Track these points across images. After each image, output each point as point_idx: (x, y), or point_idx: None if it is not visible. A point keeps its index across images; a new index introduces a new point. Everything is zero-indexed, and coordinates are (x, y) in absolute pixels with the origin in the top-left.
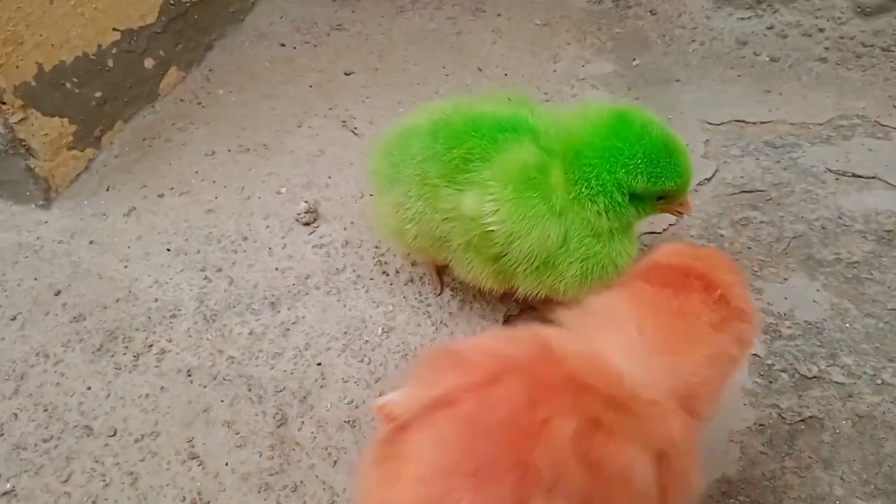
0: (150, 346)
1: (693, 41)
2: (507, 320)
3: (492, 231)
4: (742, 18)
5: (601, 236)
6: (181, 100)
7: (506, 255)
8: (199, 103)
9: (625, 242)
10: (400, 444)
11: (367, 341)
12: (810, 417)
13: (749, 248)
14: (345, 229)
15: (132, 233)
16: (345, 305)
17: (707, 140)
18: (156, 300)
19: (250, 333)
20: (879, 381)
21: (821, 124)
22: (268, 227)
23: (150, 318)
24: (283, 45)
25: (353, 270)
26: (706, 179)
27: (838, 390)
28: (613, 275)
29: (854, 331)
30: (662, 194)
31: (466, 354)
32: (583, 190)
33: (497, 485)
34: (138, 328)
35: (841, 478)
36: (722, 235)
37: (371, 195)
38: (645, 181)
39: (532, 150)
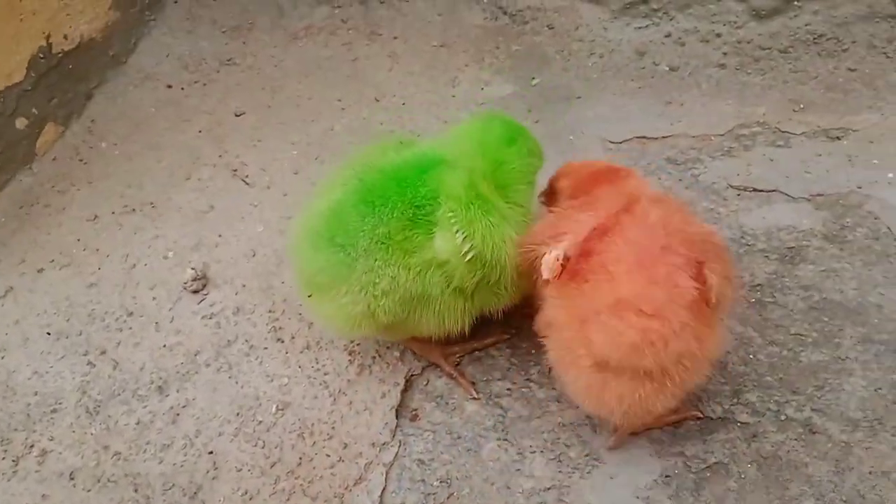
0: (31, 446)
1: (592, 54)
2: (409, 380)
3: (471, 259)
4: (639, 28)
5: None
6: (61, 158)
7: (488, 276)
8: (81, 160)
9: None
10: (584, 273)
11: (260, 422)
12: (715, 464)
13: None
14: (236, 293)
15: (9, 316)
16: (237, 382)
17: (609, 161)
18: (35, 393)
19: (137, 423)
20: (783, 417)
21: (722, 135)
22: (154, 298)
23: (30, 416)
24: (169, 86)
25: (246, 341)
26: None
27: (743, 431)
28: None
29: (758, 362)
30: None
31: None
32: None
33: (679, 256)
34: (17, 428)
35: None
36: None
37: (309, 296)
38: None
39: (457, 171)
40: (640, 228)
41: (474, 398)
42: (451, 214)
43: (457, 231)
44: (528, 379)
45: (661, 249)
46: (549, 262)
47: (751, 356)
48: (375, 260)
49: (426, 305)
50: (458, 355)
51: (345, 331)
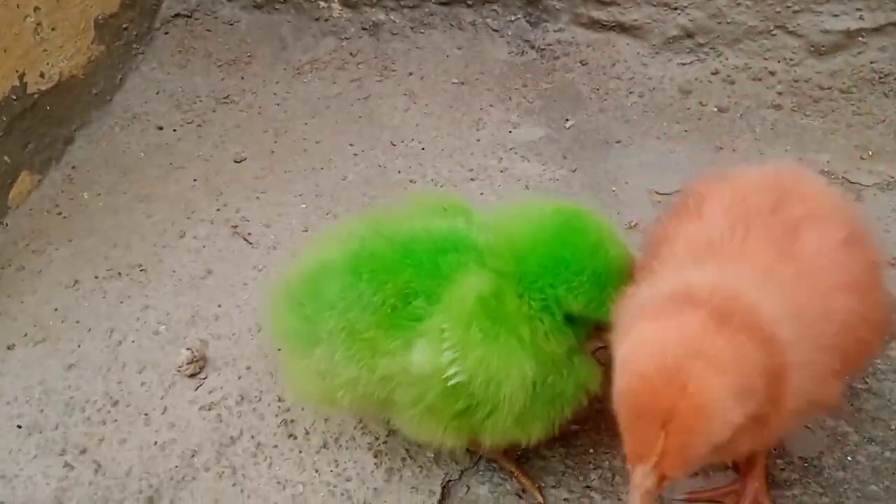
0: None
1: (630, 93)
2: (446, 487)
3: (455, 385)
4: (683, 64)
5: (560, 366)
6: (37, 211)
7: (474, 409)
8: (60, 213)
9: (586, 362)
10: None
11: None
12: None
13: None
14: (239, 378)
15: None
16: (242, 491)
17: (659, 217)
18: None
19: None
20: None
21: None
22: (143, 383)
23: None
24: (160, 127)
25: (252, 437)
26: None
27: None
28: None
29: (857, 466)
30: (601, 324)
31: None
32: (530, 306)
33: None
34: None
35: None
36: None
37: (279, 350)
38: (585, 304)
39: (482, 273)
40: None
41: None
42: (445, 326)
43: (446, 349)
44: (587, 486)
45: None
46: None
47: (848, 458)
48: (335, 348)
49: (396, 412)
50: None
51: (310, 404)
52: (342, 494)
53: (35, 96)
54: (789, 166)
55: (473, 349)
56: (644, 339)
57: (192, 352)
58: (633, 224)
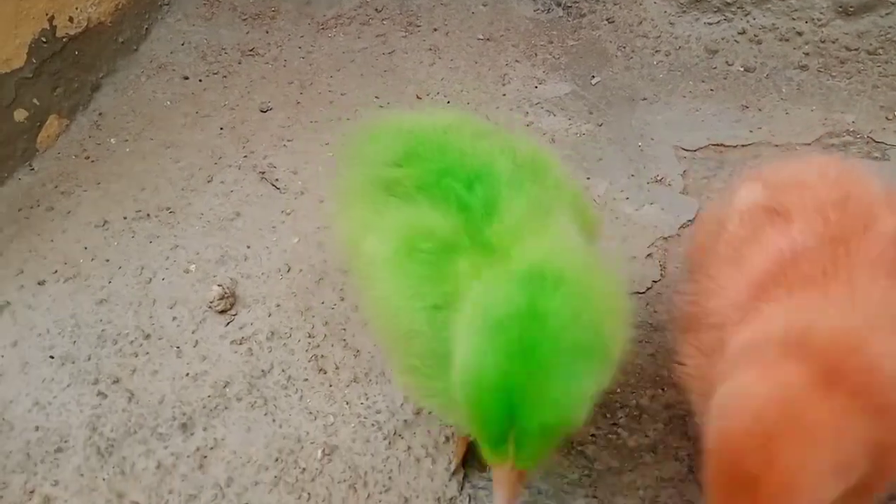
0: (31, 492)
1: (657, 52)
2: None
3: None
4: (710, 23)
5: None
6: (65, 155)
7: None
8: (88, 157)
9: None
10: None
11: (304, 469)
12: None
13: None
14: (269, 315)
15: (6, 337)
16: (274, 420)
17: (685, 171)
18: (37, 429)
19: (157, 467)
20: None
21: (808, 144)
22: (175, 318)
23: (30, 455)
24: (185, 77)
25: (283, 370)
26: (688, 222)
27: None
28: None
29: None
30: None
31: None
32: None
33: None
34: (15, 470)
35: None
36: None
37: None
38: None
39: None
40: None
41: None
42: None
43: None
44: (614, 424)
45: None
46: None
47: None
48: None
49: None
50: None
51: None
52: (372, 425)
53: (64, 40)
54: (840, 163)
55: None
56: (739, 393)
57: (223, 288)
58: (658, 178)
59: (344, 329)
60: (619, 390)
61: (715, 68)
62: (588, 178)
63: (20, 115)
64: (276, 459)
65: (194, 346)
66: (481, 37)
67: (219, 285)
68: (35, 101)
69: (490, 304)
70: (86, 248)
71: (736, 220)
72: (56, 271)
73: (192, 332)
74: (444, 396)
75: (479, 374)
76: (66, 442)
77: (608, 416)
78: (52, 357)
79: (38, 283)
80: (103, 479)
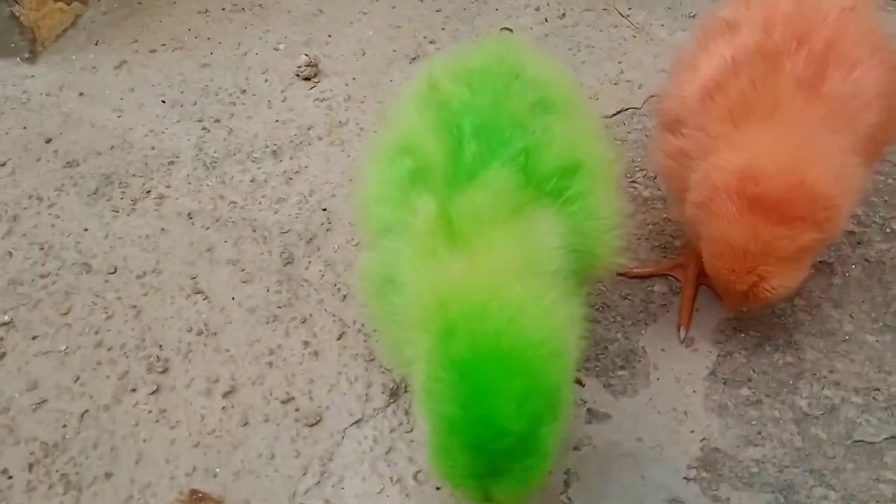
0: (148, 191)
1: None
2: None
3: None
4: None
5: None
6: None
7: None
8: None
9: None
10: None
11: None
12: (821, 262)
13: None
14: (346, 85)
15: (124, 85)
16: (349, 156)
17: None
18: (152, 148)
19: (252, 181)
20: (888, 230)
21: None
22: (266, 80)
23: (147, 165)
24: None
25: (357, 124)
26: None
27: (849, 238)
28: None
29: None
30: None
31: None
32: None
33: None
34: (135, 174)
35: (850, 315)
36: None
37: None
38: None
39: None
40: None
41: None
42: None
43: None
44: (633, 181)
45: None
46: None
47: None
48: None
49: None
50: None
51: None
52: None
53: None
54: None
55: None
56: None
57: (309, 57)
58: (692, 15)
59: None
60: (639, 158)
61: None
62: (630, 9)
63: None
64: (350, 181)
65: (283, 102)
66: None
67: (305, 55)
68: None
69: (440, 392)
70: (189, 30)
71: (699, 31)
72: (164, 44)
73: (282, 91)
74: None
75: (446, 470)
76: (176, 157)
77: (629, 175)
78: (163, 101)
79: (150, 51)
80: (208, 185)
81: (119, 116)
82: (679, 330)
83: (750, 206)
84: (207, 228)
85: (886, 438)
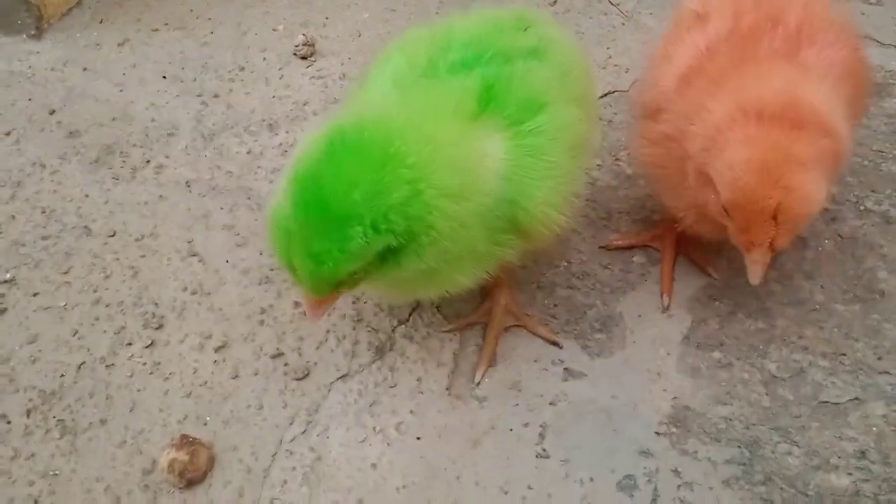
0: (148, 161)
1: None
2: None
3: None
4: None
5: None
6: None
7: None
8: None
9: None
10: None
11: None
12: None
13: None
14: (342, 64)
15: (126, 61)
16: None
17: None
18: (152, 120)
19: (248, 153)
20: (862, 208)
21: None
22: (265, 59)
23: (148, 136)
24: None
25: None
26: None
27: (823, 214)
28: None
29: None
30: None
31: None
32: None
33: None
34: (135, 144)
35: (821, 286)
36: None
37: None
38: None
39: None
40: None
41: None
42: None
43: None
44: (617, 160)
45: None
46: None
47: None
48: None
49: None
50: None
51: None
52: None
53: None
54: None
55: None
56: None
57: (306, 37)
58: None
59: None
60: (623, 139)
61: None
62: None
63: None
64: None
65: (280, 79)
66: None
67: (303, 34)
68: None
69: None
70: (191, 10)
71: (671, 25)
72: (167, 23)
73: (279, 69)
74: None
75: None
76: (176, 129)
77: (613, 154)
78: (164, 77)
79: (153, 30)
80: (205, 156)
81: (121, 91)
82: (662, 297)
83: (759, 121)
84: (204, 196)
85: (851, 400)
